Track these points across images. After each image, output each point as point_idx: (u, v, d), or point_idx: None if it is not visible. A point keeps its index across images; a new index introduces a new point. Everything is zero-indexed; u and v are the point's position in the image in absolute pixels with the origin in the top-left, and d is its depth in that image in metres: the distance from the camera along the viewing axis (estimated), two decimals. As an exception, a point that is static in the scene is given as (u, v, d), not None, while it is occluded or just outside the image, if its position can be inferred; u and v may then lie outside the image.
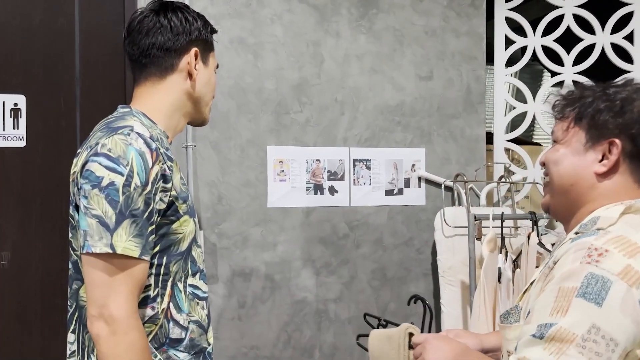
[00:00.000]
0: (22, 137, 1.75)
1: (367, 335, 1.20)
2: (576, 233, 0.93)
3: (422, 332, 1.17)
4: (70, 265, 1.13)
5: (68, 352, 1.13)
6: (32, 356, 1.74)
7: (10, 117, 1.74)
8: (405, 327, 1.14)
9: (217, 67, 1.26)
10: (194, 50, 1.15)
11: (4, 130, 1.73)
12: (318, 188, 1.98)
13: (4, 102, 1.72)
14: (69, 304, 1.14)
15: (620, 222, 0.90)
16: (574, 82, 1.06)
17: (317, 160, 1.98)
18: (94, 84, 1.81)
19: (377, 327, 1.23)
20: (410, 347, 1.14)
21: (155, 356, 1.06)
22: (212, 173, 1.89)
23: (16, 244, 1.74)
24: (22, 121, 1.75)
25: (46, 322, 1.76)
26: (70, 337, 1.12)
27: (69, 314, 1.14)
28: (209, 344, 1.19)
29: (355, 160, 2.02)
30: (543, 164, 1.03)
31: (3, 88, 1.72)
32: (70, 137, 1.79)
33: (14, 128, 1.74)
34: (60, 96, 1.78)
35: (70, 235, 1.13)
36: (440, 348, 1.02)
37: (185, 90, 1.17)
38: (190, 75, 1.16)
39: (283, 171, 1.95)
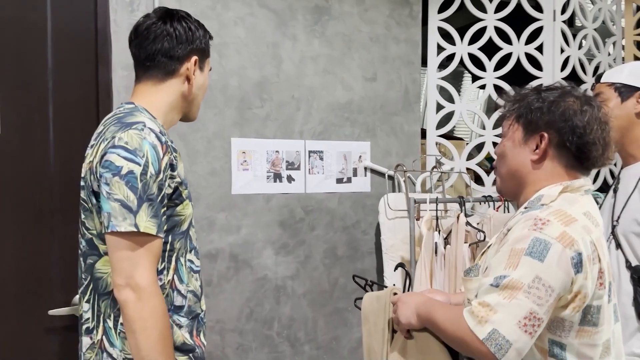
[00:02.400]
0: (-4, 128, 1.81)
1: (361, 298, 1.42)
2: (525, 207, 1.20)
3: (403, 292, 1.40)
4: (84, 243, 1.27)
5: (82, 319, 1.28)
6: (6, 337, 1.81)
7: (-16, 108, 1.79)
8: (390, 289, 1.37)
9: (210, 69, 1.43)
10: (194, 58, 1.31)
11: (-23, 121, 1.78)
12: (277, 177, 2.20)
13: (-23, 94, 1.78)
14: (83, 277, 1.28)
15: (560, 199, 1.16)
16: (513, 87, 1.36)
17: (276, 151, 2.19)
18: (66, 79, 1.89)
19: (365, 287, 1.47)
20: None
21: (166, 320, 1.24)
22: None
23: (-10, 231, 1.80)
24: (-4, 113, 1.81)
25: (21, 305, 1.83)
26: (85, 306, 1.27)
27: (83, 286, 1.28)
28: (202, 310, 1.38)
29: (310, 151, 2.25)
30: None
31: (-24, 81, 1.78)
32: (43, 129, 1.86)
33: (-13, 119, 1.80)
34: (33, 89, 1.85)
35: (82, 217, 1.27)
36: (408, 302, 1.28)
37: (182, 92, 1.33)
38: (188, 79, 1.33)
39: (246, 161, 2.14)
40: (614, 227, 1.59)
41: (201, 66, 1.35)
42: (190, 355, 1.28)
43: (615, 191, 1.67)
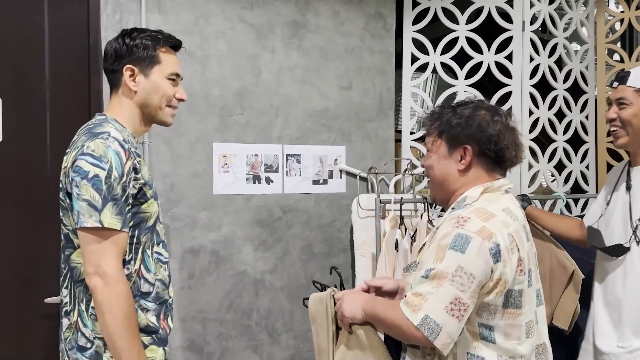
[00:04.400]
0: (-1, 134, 2.02)
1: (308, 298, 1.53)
2: (452, 208, 1.36)
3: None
4: (62, 237, 1.46)
5: (62, 303, 1.47)
6: (6, 323, 2.01)
7: (-12, 116, 2.00)
8: (330, 290, 1.50)
9: (177, 75, 1.51)
10: (127, 69, 1.44)
11: (-18, 127, 1.99)
12: (256, 178, 2.37)
13: (-19, 103, 1.99)
14: (62, 266, 1.47)
15: (481, 198, 1.33)
16: (437, 106, 1.50)
17: (255, 155, 2.37)
18: (62, 88, 2.09)
19: (321, 290, 1.58)
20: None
21: (132, 304, 1.41)
22: (165, 165, 2.23)
23: (-7, 225, 2.01)
24: (-1, 120, 2.02)
25: (20, 293, 2.03)
26: (64, 292, 1.45)
27: (62, 275, 1.47)
28: (170, 297, 1.55)
29: (287, 155, 2.43)
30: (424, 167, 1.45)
31: (-19, 92, 1.99)
32: (41, 134, 2.06)
33: (-9, 125, 2.01)
34: (32, 98, 2.05)
35: (61, 214, 1.45)
36: (354, 299, 1.42)
37: (132, 100, 1.47)
38: (129, 88, 1.46)
39: (227, 164, 2.32)
40: (636, 226, 1.70)
41: (145, 73, 1.46)
42: (154, 336, 1.45)
43: (628, 189, 1.77)
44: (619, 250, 1.72)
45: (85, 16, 2.13)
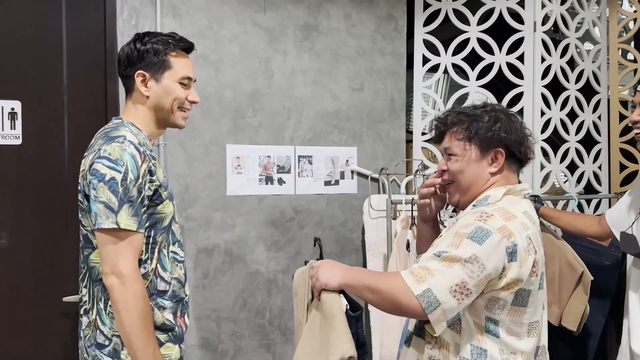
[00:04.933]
0: (18, 136, 2.07)
1: None
2: (474, 205, 1.39)
3: None
4: (81, 238, 1.50)
5: (81, 302, 1.51)
6: (26, 321, 2.07)
7: (8, 119, 2.05)
8: (311, 262, 1.49)
9: (189, 78, 1.52)
10: (139, 75, 1.47)
11: (2, 130, 2.03)
12: (269, 179, 2.41)
13: (2, 107, 2.03)
14: (81, 266, 1.51)
15: (504, 199, 1.36)
16: (454, 109, 1.49)
17: (268, 156, 2.40)
18: (79, 92, 2.14)
19: None
20: None
21: (148, 302, 1.45)
22: (180, 167, 2.27)
23: (12, 226, 2.04)
24: (18, 123, 2.06)
25: (39, 291, 2.09)
26: (83, 290, 1.49)
27: (82, 274, 1.51)
28: (186, 295, 1.59)
29: (299, 156, 2.46)
30: (444, 172, 1.43)
31: (1, 95, 2.03)
32: (59, 136, 2.11)
33: (11, 128, 2.05)
34: (51, 102, 2.10)
35: (80, 215, 1.49)
36: (333, 266, 1.40)
37: (145, 104, 1.50)
38: (142, 93, 1.49)
39: (240, 165, 2.36)
40: None
41: (157, 78, 1.48)
42: (170, 333, 1.49)
43: None
44: None
45: (102, 21, 2.17)
